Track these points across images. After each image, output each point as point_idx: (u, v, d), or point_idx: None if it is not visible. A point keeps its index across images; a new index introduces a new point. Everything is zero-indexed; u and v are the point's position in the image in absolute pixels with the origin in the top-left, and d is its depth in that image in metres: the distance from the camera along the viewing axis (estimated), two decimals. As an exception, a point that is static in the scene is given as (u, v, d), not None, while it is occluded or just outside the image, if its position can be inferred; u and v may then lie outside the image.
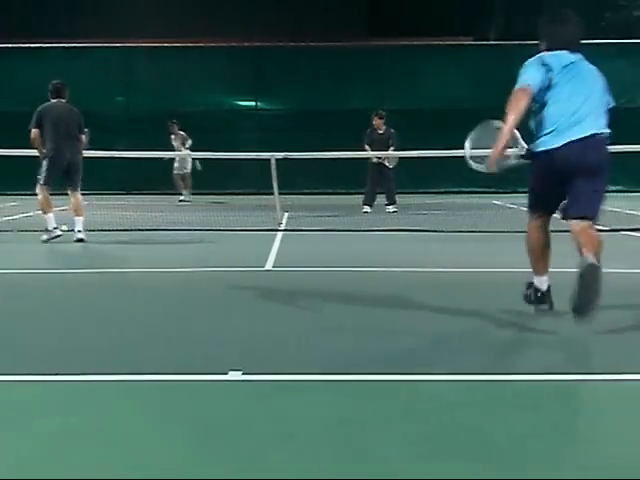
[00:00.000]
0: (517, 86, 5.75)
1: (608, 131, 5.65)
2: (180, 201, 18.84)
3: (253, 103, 23.00)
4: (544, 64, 5.79)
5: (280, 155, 13.04)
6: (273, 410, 3.74)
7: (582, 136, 5.43)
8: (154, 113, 22.15)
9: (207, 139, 18.43)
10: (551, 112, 5.58)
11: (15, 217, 14.50)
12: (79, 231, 10.40)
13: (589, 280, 5.01)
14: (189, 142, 18.69)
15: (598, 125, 5.55)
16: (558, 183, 5.48)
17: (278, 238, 10.90)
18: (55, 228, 10.32)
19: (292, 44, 22.96)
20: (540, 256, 5.74)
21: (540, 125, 5.60)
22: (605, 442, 3.37)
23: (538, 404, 3.89)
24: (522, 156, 5.66)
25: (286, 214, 13.75)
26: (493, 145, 5.50)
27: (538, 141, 5.56)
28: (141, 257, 9.23)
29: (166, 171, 19.29)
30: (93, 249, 9.80)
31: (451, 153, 13.95)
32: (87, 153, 14.37)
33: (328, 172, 19.51)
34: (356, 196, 18.53)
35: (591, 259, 5.08)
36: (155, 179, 20.81)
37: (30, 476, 3.00)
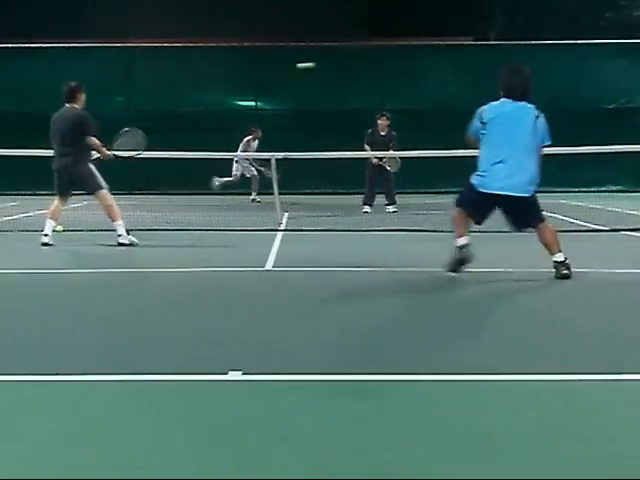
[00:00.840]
0: (468, 131, 7.65)
1: (533, 188, 7.42)
2: None
3: (253, 103, 23.00)
4: (481, 117, 7.46)
5: (280, 155, 13.04)
6: (273, 410, 3.74)
7: (512, 194, 7.20)
8: (154, 113, 22.15)
9: (207, 139, 18.41)
10: (484, 154, 7.39)
11: (15, 217, 14.50)
12: (119, 235, 9.94)
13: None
14: None
15: (525, 189, 7.29)
16: (482, 205, 7.45)
17: (278, 238, 10.90)
18: (46, 235, 9.93)
19: (292, 44, 22.95)
20: (461, 226, 7.50)
21: (480, 160, 7.46)
22: (605, 442, 3.37)
23: (538, 404, 3.89)
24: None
25: (286, 214, 13.75)
26: None
27: (478, 177, 7.37)
28: (141, 257, 9.22)
29: (166, 171, 19.27)
30: (93, 249, 9.79)
31: (451, 153, 13.96)
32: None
33: (328, 172, 19.50)
34: (356, 196, 18.53)
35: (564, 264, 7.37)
36: (155, 179, 20.82)
37: (30, 476, 3.00)
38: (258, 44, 23.11)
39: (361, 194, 16.10)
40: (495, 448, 3.28)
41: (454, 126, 22.23)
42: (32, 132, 18.68)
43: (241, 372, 4.29)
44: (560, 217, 14.05)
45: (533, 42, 22.34)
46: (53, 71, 22.22)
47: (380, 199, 15.81)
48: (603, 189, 21.62)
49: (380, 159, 15.30)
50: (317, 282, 7.59)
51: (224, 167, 18.10)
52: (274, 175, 13.14)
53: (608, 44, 22.31)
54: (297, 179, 18.99)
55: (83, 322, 5.74)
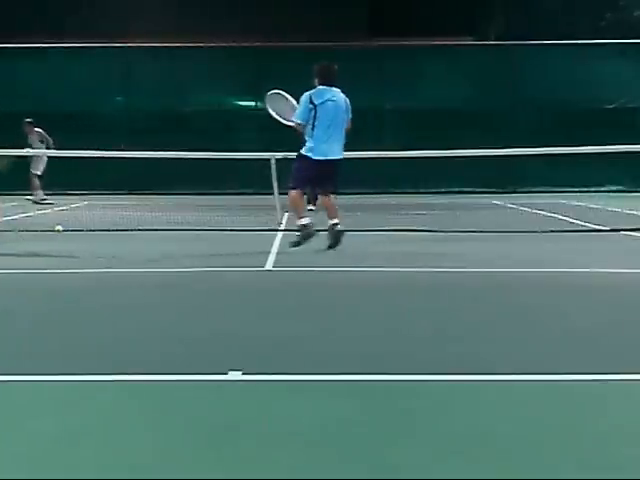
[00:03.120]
0: (294, 118, 9.41)
1: (342, 154, 9.58)
2: (36, 202, 18.22)
3: (253, 103, 22.99)
4: (311, 101, 9.23)
5: (280, 155, 13.03)
6: (273, 410, 3.74)
7: (333, 158, 9.37)
8: (154, 113, 22.16)
9: (207, 139, 18.42)
10: (317, 130, 9.23)
11: (15, 217, 14.50)
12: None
13: (340, 237, 9.33)
14: (50, 141, 18.13)
15: (340, 152, 9.49)
16: (317, 176, 9.38)
17: (278, 238, 10.89)
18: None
19: (292, 44, 22.94)
20: (302, 208, 9.54)
21: (311, 139, 9.26)
22: (606, 442, 3.37)
23: (538, 404, 3.89)
24: (300, 155, 9.42)
25: (286, 214, 13.74)
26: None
27: (310, 150, 9.26)
28: (141, 257, 9.22)
29: (167, 171, 19.27)
30: (93, 249, 9.79)
31: (451, 153, 13.99)
32: (87, 153, 14.42)
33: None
34: (356, 196, 18.55)
35: (339, 226, 9.43)
36: (155, 179, 20.82)
37: (29, 476, 3.00)
38: (258, 44, 23.10)
39: (361, 194, 16.11)
40: (495, 448, 3.28)
41: (454, 126, 22.32)
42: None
43: (241, 372, 4.29)
44: (560, 217, 14.07)
45: (533, 42, 22.34)
46: (53, 71, 22.26)
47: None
48: (603, 189, 21.62)
49: None
50: (317, 282, 7.59)
51: (224, 167, 18.07)
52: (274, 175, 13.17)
53: (608, 44, 22.29)
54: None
55: (82, 322, 5.74)
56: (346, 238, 9.48)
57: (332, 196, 9.70)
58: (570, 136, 17.46)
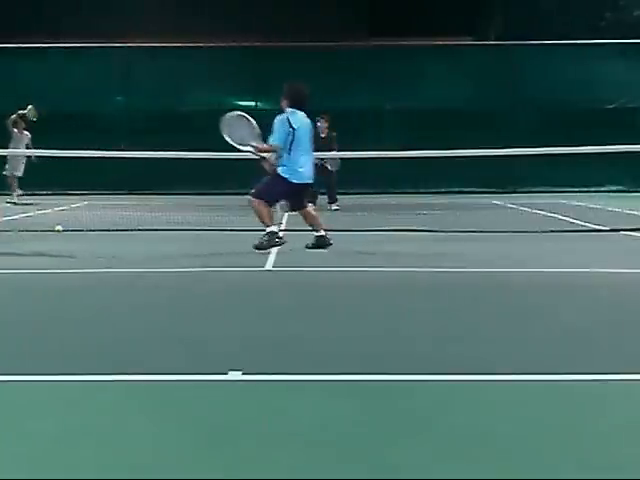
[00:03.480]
0: (272, 141, 9.34)
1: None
2: (14, 203, 17.86)
3: (253, 103, 22.98)
4: (290, 125, 9.28)
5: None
6: (273, 410, 3.74)
7: (309, 182, 9.65)
8: (153, 113, 22.14)
9: (207, 139, 18.35)
10: (294, 154, 9.28)
11: (15, 217, 14.50)
12: None
13: (323, 243, 9.51)
14: (31, 147, 17.90)
15: (313, 174, 9.72)
16: (290, 196, 9.69)
17: (278, 238, 10.87)
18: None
19: (292, 44, 22.94)
20: (270, 217, 9.39)
21: (288, 162, 9.30)
22: (606, 442, 3.37)
23: (538, 404, 3.89)
24: (277, 174, 9.37)
25: (286, 214, 13.74)
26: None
27: (288, 172, 9.31)
28: (141, 257, 9.22)
29: (167, 171, 19.26)
30: (93, 249, 9.79)
31: (451, 153, 13.97)
32: (87, 153, 14.41)
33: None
34: (356, 196, 18.56)
35: (323, 235, 9.59)
36: (155, 179, 20.81)
37: (29, 476, 3.00)
38: (258, 44, 23.10)
39: (361, 194, 16.16)
40: (495, 448, 3.28)
41: (454, 126, 22.31)
42: (32, 132, 18.76)
43: (241, 372, 4.29)
44: (560, 217, 14.07)
45: (533, 42, 22.34)
46: (53, 71, 22.25)
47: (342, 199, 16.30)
48: (603, 189, 21.62)
49: (322, 159, 15.59)
50: (317, 282, 7.59)
51: (224, 167, 18.04)
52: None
53: (608, 44, 22.29)
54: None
55: (82, 322, 5.74)
56: (347, 238, 9.49)
57: (310, 205, 9.96)
58: (570, 136, 17.44)
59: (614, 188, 21.78)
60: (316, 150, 15.46)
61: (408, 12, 27.06)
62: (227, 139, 9.60)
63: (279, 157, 9.39)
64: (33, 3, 27.13)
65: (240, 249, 9.95)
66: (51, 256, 9.26)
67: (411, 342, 5.09)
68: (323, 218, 13.63)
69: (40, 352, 4.87)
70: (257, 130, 9.51)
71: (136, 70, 23.01)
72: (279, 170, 9.38)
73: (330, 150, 15.58)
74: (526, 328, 5.52)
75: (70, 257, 9.20)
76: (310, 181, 9.69)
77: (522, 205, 16.97)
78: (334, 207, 16.18)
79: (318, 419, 3.61)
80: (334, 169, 15.94)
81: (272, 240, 9.22)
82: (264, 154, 9.50)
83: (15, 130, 17.99)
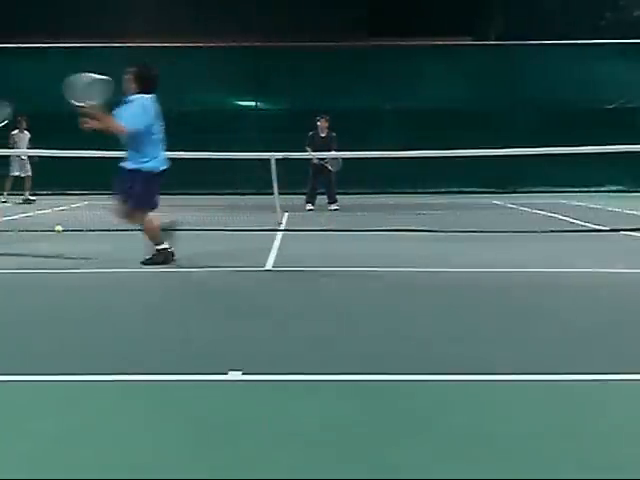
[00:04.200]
0: (125, 123, 8.27)
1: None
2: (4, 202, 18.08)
3: (253, 103, 22.98)
4: (147, 109, 8.52)
5: (280, 155, 13.03)
6: (273, 410, 3.74)
7: (166, 167, 8.88)
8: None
9: (207, 139, 18.39)
10: (150, 140, 8.57)
11: (15, 217, 14.50)
12: None
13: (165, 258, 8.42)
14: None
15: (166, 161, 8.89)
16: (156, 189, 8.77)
17: (278, 238, 10.89)
18: None
19: (292, 44, 22.93)
20: (159, 231, 8.57)
21: (146, 146, 8.54)
22: (606, 442, 3.37)
23: (538, 404, 3.89)
24: (130, 170, 8.42)
25: (286, 214, 13.75)
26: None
27: (152, 162, 8.61)
28: (141, 257, 9.21)
29: (166, 170, 19.23)
30: (93, 249, 9.79)
31: (451, 153, 13.97)
32: (87, 153, 14.41)
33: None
34: (356, 196, 18.55)
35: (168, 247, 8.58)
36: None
37: (29, 476, 3.00)
38: (258, 44, 23.09)
39: (361, 193, 16.14)
40: (495, 448, 3.28)
41: (454, 126, 22.30)
42: (32, 132, 18.77)
43: (241, 372, 4.29)
44: (560, 217, 14.07)
45: (533, 42, 22.34)
46: (53, 71, 22.23)
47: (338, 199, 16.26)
48: (603, 189, 21.63)
49: (322, 159, 15.58)
50: (317, 282, 7.59)
51: (224, 167, 18.05)
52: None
53: (608, 44, 22.29)
54: (296, 179, 18.98)
55: (82, 322, 5.74)
56: (346, 238, 9.47)
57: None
58: (570, 136, 17.43)
59: (614, 188, 21.78)
60: (316, 150, 15.59)
61: (408, 12, 27.05)
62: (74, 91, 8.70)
63: (130, 146, 8.47)
64: (33, 3, 27.10)
65: (240, 249, 9.96)
66: (51, 256, 9.26)
67: (411, 342, 5.09)
68: (323, 218, 13.77)
69: (40, 352, 4.87)
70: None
71: (136, 70, 22.98)
72: (136, 165, 8.46)
73: (330, 150, 15.61)
74: (526, 328, 5.52)
75: (70, 257, 9.19)
76: (165, 167, 8.88)
77: (522, 205, 16.97)
78: (334, 207, 16.22)
79: (318, 419, 3.61)
80: (335, 169, 15.91)
81: (164, 255, 8.48)
82: (101, 124, 8.25)
83: (16, 130, 18.06)
